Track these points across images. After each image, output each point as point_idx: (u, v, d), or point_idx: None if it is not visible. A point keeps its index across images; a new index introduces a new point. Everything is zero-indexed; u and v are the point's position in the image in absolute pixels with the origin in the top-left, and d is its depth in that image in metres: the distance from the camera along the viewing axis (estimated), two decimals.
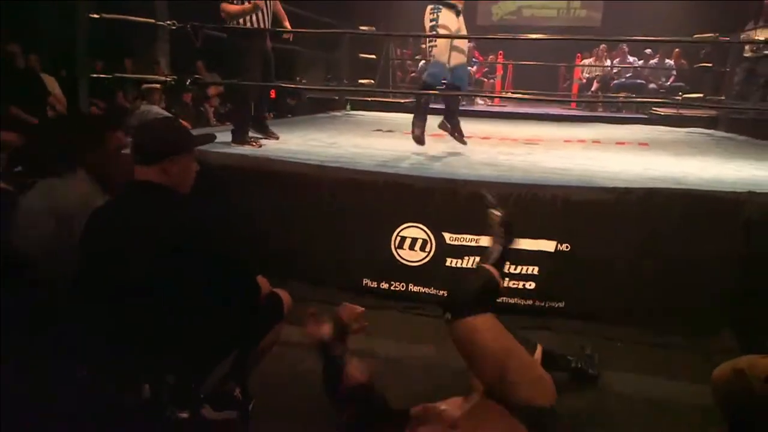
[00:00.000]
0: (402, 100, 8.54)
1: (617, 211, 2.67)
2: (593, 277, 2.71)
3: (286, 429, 2.01)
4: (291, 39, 4.23)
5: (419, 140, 3.80)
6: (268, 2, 3.76)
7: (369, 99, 8.21)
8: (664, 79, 8.94)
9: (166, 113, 5.17)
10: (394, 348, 2.53)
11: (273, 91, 7.76)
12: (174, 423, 1.91)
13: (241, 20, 3.66)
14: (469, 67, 9.80)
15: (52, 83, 5.09)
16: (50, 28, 5.85)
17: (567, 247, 2.72)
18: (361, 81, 8.16)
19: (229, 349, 1.78)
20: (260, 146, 3.73)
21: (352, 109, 8.03)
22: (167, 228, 1.50)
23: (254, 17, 3.69)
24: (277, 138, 4.04)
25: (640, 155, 4.32)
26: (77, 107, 3.06)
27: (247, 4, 3.59)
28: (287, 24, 4.13)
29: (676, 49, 8.87)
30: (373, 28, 7.14)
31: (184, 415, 1.88)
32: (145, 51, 7.61)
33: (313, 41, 8.37)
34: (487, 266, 1.93)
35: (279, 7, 4.06)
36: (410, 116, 3.97)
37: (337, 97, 7.99)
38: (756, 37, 6.36)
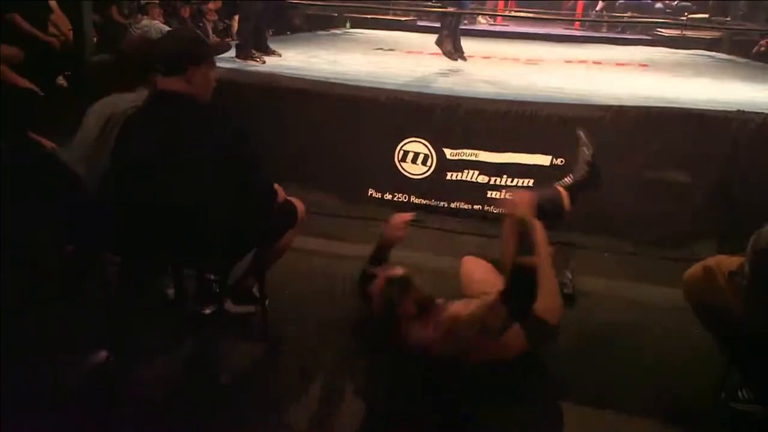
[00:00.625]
0: (402, 18, 8.37)
1: (611, 128, 2.79)
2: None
3: (298, 325, 2.20)
4: None
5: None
6: None
7: (368, 16, 8.03)
8: None
9: (167, 28, 5.12)
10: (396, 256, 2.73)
11: None
12: (198, 317, 2.13)
13: None
14: None
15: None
16: None
17: (561, 161, 2.86)
18: None
19: (248, 246, 1.95)
20: (263, 62, 3.76)
21: (352, 27, 7.88)
22: (194, 134, 1.63)
23: None
24: (280, 55, 4.05)
25: (638, 76, 4.37)
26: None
27: None
28: None
29: None
30: None
31: (208, 310, 2.11)
32: None
33: None
34: (560, 188, 2.08)
35: None
36: (410, 34, 3.98)
37: (336, 14, 7.83)
38: None
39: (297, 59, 4.15)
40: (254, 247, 1.99)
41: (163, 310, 2.23)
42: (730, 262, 1.67)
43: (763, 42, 6.31)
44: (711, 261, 1.74)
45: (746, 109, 2.73)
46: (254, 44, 3.90)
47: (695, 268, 1.78)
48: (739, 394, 1.78)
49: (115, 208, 1.69)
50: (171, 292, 2.22)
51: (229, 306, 2.13)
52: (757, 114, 2.68)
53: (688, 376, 1.94)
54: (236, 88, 3.09)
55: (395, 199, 3.08)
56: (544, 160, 2.90)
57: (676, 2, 8.53)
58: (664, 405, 1.82)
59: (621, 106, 2.83)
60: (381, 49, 5.42)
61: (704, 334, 1.82)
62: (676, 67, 5.03)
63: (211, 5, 6.26)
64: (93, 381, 1.78)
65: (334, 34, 6.94)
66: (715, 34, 7.08)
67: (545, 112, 2.84)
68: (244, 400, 1.79)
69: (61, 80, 5.00)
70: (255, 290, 2.19)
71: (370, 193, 3.15)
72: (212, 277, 2.10)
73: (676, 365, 2.01)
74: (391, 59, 4.68)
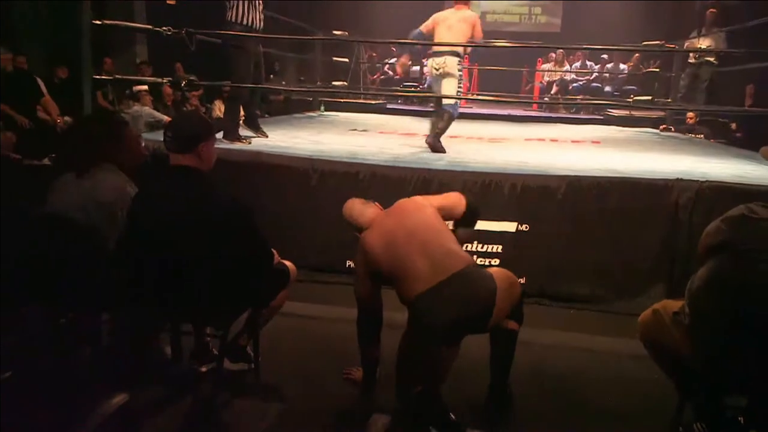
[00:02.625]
0: (372, 101, 8.94)
1: (568, 196, 3.11)
2: (547, 254, 3.14)
3: (289, 381, 2.34)
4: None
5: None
6: (257, 3, 4.03)
7: (341, 100, 8.56)
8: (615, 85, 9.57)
9: (157, 114, 5.43)
10: None
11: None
12: (195, 375, 2.26)
13: (236, 20, 3.95)
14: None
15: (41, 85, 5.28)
16: (35, 31, 6.01)
17: (526, 227, 3.15)
18: (334, 83, 8.51)
19: (244, 306, 2.13)
20: (249, 143, 4.05)
21: (326, 109, 8.38)
22: (203, 204, 1.86)
23: (249, 19, 3.97)
24: (267, 136, 4.36)
25: (591, 151, 4.81)
26: (101, 108, 3.32)
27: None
28: None
29: (636, 54, 9.39)
30: (346, 33, 7.51)
31: (205, 368, 2.25)
32: (122, 52, 7.78)
33: (286, 44, 8.67)
34: None
35: None
36: (380, 116, 4.35)
37: (311, 99, 8.32)
38: (698, 45, 6.95)
39: (280, 139, 4.46)
40: (252, 305, 2.17)
41: (161, 368, 2.35)
42: (674, 304, 1.92)
43: (690, 115, 7.05)
44: (658, 305, 1.99)
45: (684, 177, 3.11)
46: (247, 124, 4.21)
47: (646, 312, 2.03)
48: (695, 427, 1.98)
49: (130, 270, 1.87)
50: (168, 350, 2.35)
51: (226, 363, 2.27)
52: (693, 181, 3.05)
53: (647, 415, 2.14)
54: (226, 165, 3.33)
55: None
56: (510, 226, 3.19)
57: (622, 87, 9.35)
58: None
59: (576, 176, 3.17)
60: (355, 129, 5.81)
61: (660, 375, 2.04)
62: (624, 143, 5.53)
63: (194, 93, 6.64)
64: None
65: (311, 117, 7.37)
66: (660, 113, 7.78)
67: (509, 182, 3.15)
68: None
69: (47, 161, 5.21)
70: (249, 349, 2.35)
71: (348, 264, 3.36)
72: (208, 335, 2.26)
73: (634, 405, 2.21)
74: (366, 139, 5.03)
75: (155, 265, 1.84)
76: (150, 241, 1.85)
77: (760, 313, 1.59)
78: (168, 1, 7.87)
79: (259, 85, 4.17)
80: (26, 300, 2.06)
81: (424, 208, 2.13)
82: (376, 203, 2.34)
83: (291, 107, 8.29)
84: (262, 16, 4.11)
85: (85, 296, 2.03)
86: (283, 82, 8.22)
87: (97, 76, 3.76)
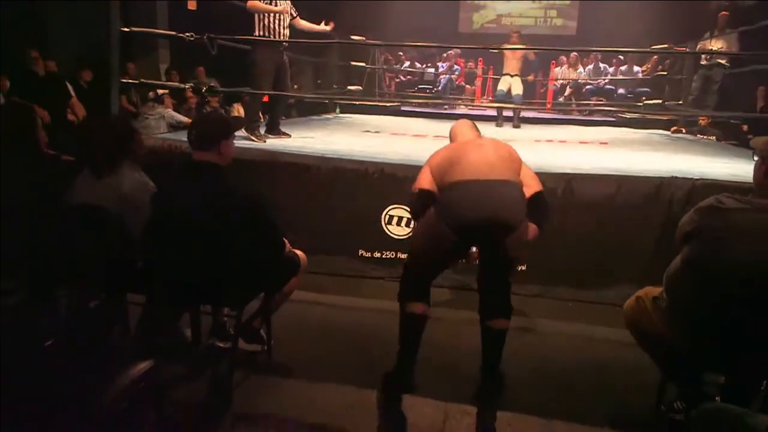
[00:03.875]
0: (387, 104, 9.13)
1: (567, 193, 3.26)
2: (547, 246, 3.28)
3: (298, 363, 2.53)
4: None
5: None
6: (283, 18, 4.29)
7: (357, 102, 8.77)
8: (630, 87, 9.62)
9: (179, 116, 5.68)
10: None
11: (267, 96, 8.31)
12: (212, 352, 2.46)
13: (261, 26, 4.20)
14: (449, 75, 10.45)
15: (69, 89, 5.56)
16: (62, 35, 6.30)
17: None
18: (350, 86, 8.74)
19: (258, 290, 2.32)
20: (264, 141, 4.27)
21: (342, 112, 8.58)
22: (223, 196, 2.05)
23: (273, 27, 4.22)
24: (289, 136, 4.59)
25: (597, 151, 4.93)
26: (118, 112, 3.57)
27: (271, 6, 4.14)
28: (326, 27, 4.72)
29: (654, 56, 9.40)
30: (363, 38, 7.71)
31: (224, 345, 2.44)
32: (145, 55, 8.07)
33: (304, 48, 8.90)
34: None
35: (303, 23, 4.58)
36: (395, 118, 4.54)
37: (327, 101, 8.54)
38: (710, 47, 7.01)
39: (297, 140, 4.67)
40: (265, 290, 2.35)
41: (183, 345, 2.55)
42: (654, 290, 2.06)
43: (702, 117, 7.08)
44: (641, 291, 2.14)
45: (679, 176, 3.23)
46: (269, 129, 4.46)
47: (630, 299, 2.17)
48: (675, 405, 2.12)
49: (155, 256, 2.07)
50: (188, 332, 2.56)
51: (241, 344, 2.46)
52: (687, 179, 3.18)
53: (633, 394, 2.28)
54: (248, 163, 3.55)
55: (383, 256, 3.47)
56: None
57: (635, 89, 9.40)
58: (615, 417, 2.15)
59: (574, 174, 3.31)
60: (368, 131, 6.00)
61: (645, 358, 2.18)
62: (632, 144, 5.63)
63: (213, 97, 6.89)
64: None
65: (327, 119, 7.58)
66: (671, 115, 7.83)
67: None
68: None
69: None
70: (263, 331, 2.54)
71: (360, 252, 3.55)
72: (225, 316, 2.45)
73: (623, 386, 2.36)
74: (378, 140, 5.22)
75: (178, 251, 2.03)
76: (173, 229, 2.04)
77: (729, 294, 1.73)
78: (189, 7, 8.18)
79: (272, 92, 4.38)
80: (58, 283, 2.28)
81: (513, 153, 2.29)
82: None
83: (308, 109, 8.51)
84: (287, 31, 4.36)
85: (113, 281, 2.24)
86: (296, 86, 8.43)
87: (124, 80, 3.98)
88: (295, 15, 4.45)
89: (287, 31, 4.37)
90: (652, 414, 2.14)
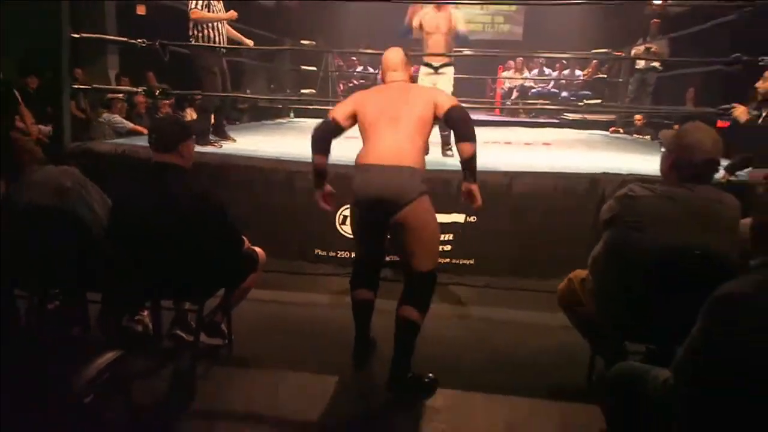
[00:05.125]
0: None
1: (511, 190, 3.48)
2: (493, 240, 3.50)
3: (258, 356, 2.64)
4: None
5: None
6: (221, 27, 4.42)
7: (310, 107, 8.88)
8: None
9: (126, 122, 5.68)
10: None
11: None
12: (173, 346, 2.54)
13: (202, 35, 4.30)
14: None
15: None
16: (5, 40, 6.17)
17: (474, 218, 3.51)
18: (303, 90, 8.83)
19: (219, 285, 2.42)
20: (221, 147, 4.35)
21: (296, 116, 8.68)
22: (183, 195, 2.16)
23: (213, 36, 4.31)
24: (234, 141, 4.65)
25: (540, 151, 5.21)
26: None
27: (218, 14, 4.26)
28: (248, 42, 4.84)
29: (594, 61, 9.84)
30: (314, 43, 7.83)
31: (187, 337, 2.53)
32: (94, 60, 7.96)
33: (256, 54, 8.95)
34: None
35: (231, 31, 4.73)
36: None
37: (281, 106, 8.62)
38: (639, 51, 7.46)
39: (248, 144, 4.75)
40: (225, 285, 2.46)
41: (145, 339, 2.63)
42: (582, 272, 2.29)
43: (638, 118, 7.53)
44: (572, 274, 2.35)
45: (610, 172, 3.51)
46: (215, 132, 4.52)
47: (563, 282, 2.39)
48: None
49: (119, 253, 2.15)
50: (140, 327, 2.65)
51: (203, 338, 2.56)
52: (618, 175, 3.46)
53: (568, 369, 2.50)
54: (202, 167, 3.62)
55: (338, 255, 3.61)
56: (459, 218, 3.55)
57: (577, 92, 9.86)
58: (552, 390, 2.36)
59: (516, 172, 3.55)
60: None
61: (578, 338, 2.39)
62: (573, 144, 5.97)
63: (165, 101, 6.87)
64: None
65: (280, 123, 7.66)
66: (611, 116, 8.29)
67: (458, 179, 3.49)
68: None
69: None
70: (223, 326, 2.64)
71: (316, 252, 3.68)
72: (187, 310, 2.55)
73: (560, 363, 2.59)
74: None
75: (141, 247, 2.13)
76: (137, 227, 2.14)
77: (643, 273, 1.95)
78: (138, 12, 8.11)
79: (227, 94, 4.46)
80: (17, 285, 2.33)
81: (425, 101, 2.43)
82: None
83: (261, 114, 8.57)
84: (225, 38, 4.49)
85: (73, 279, 2.31)
86: (248, 91, 8.49)
87: (75, 86, 4.00)
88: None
89: (226, 38, 4.51)
90: (585, 385, 2.36)
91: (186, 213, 2.14)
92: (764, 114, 3.35)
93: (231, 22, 4.66)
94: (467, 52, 7.18)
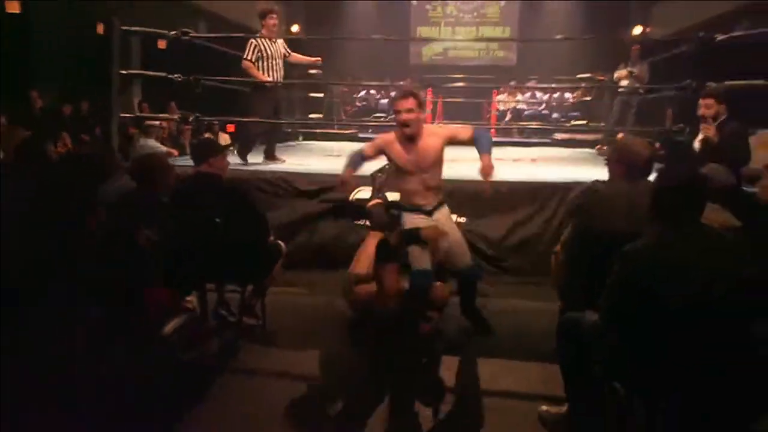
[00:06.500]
0: (345, 131, 9.96)
1: (496, 196, 4.10)
2: (484, 238, 4.11)
3: (286, 338, 3.21)
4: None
5: None
6: (276, 63, 5.09)
7: (317, 131, 9.57)
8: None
9: (160, 146, 6.33)
10: None
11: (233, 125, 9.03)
12: (218, 324, 3.13)
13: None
14: None
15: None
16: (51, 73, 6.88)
17: (464, 219, 4.13)
18: (311, 115, 9.51)
19: (256, 271, 3.01)
20: (284, 161, 5.16)
21: (304, 139, 9.35)
22: (220, 196, 2.78)
23: (266, 70, 5.04)
24: (284, 161, 5.40)
25: (527, 167, 5.83)
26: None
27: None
28: (315, 59, 5.58)
29: (583, 85, 10.52)
30: (320, 72, 8.52)
31: (233, 318, 3.12)
32: (122, 91, 8.65)
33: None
34: None
35: (297, 56, 5.41)
36: (354, 144, 5.40)
37: (290, 130, 9.29)
38: (621, 76, 8.11)
39: (274, 163, 5.37)
40: (261, 271, 3.05)
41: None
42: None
43: (620, 137, 8.12)
44: (557, 247, 2.93)
45: (581, 181, 4.11)
46: (267, 156, 5.29)
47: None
48: None
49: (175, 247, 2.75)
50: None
51: (245, 319, 3.14)
52: (590, 182, 4.05)
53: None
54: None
55: None
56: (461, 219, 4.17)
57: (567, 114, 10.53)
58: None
59: (500, 182, 4.17)
60: (331, 155, 6.76)
61: None
62: (558, 160, 6.58)
63: (186, 127, 7.54)
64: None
65: (290, 145, 8.30)
66: (597, 135, 8.92)
67: (450, 186, 4.12)
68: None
69: None
70: (258, 309, 3.22)
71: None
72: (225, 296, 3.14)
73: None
74: (342, 161, 5.96)
75: (194, 242, 2.72)
76: (188, 225, 2.74)
77: (596, 250, 2.51)
78: (159, 46, 8.82)
79: (246, 119, 5.13)
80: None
81: (439, 143, 3.08)
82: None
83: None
84: (281, 73, 5.19)
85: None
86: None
87: (123, 114, 4.66)
88: (288, 53, 5.26)
89: (281, 72, 5.16)
90: None
91: (223, 211, 2.75)
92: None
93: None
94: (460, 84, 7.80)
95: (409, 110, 2.95)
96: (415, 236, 2.95)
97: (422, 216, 3.09)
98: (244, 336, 3.08)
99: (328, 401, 2.60)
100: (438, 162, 3.13)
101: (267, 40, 5.03)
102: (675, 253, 1.84)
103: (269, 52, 5.02)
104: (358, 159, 3.13)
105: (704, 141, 3.81)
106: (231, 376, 2.74)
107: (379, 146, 3.10)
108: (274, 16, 5.07)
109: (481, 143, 3.09)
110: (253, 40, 5.00)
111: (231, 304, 3.23)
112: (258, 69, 4.98)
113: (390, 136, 3.10)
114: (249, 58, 4.96)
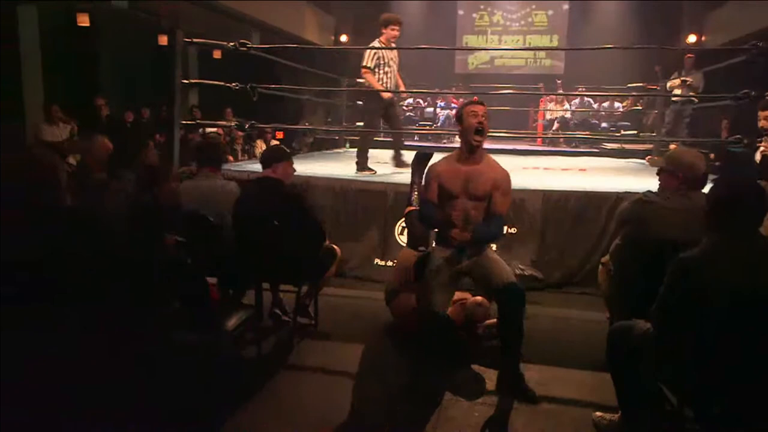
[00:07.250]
0: (389, 138, 10.05)
1: (545, 204, 4.11)
2: (534, 247, 4.13)
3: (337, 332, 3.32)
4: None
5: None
6: (391, 71, 5.22)
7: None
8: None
9: None
10: None
11: (282, 132, 9.29)
12: (273, 323, 3.26)
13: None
14: (447, 111, 11.41)
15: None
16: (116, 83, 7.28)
17: (515, 230, 4.15)
18: (358, 124, 9.66)
19: (311, 272, 3.12)
20: (375, 173, 5.15)
21: (350, 147, 9.51)
22: (283, 199, 2.91)
23: (383, 78, 5.16)
24: (375, 172, 5.34)
25: (575, 176, 5.79)
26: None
27: (379, 85, 5.10)
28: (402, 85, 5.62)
29: (633, 93, 10.34)
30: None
31: (286, 318, 3.25)
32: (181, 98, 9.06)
33: (316, 91, 9.90)
34: None
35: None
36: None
37: (337, 137, 9.48)
38: (674, 85, 7.94)
39: (322, 170, 5.50)
40: (315, 272, 3.16)
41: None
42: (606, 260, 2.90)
43: (673, 147, 7.94)
44: (604, 258, 2.97)
45: (630, 191, 4.09)
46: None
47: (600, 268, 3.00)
48: None
49: (241, 247, 2.90)
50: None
51: (299, 318, 3.27)
52: (636, 193, 4.02)
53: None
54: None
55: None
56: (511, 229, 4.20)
57: (615, 123, 10.35)
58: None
59: (549, 190, 4.18)
60: (378, 162, 6.86)
61: None
62: (608, 171, 6.49)
63: (239, 133, 7.83)
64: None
65: (338, 153, 8.47)
66: (648, 146, 8.74)
67: None
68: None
69: None
70: (311, 309, 3.34)
71: (375, 261, 4.36)
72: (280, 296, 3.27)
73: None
74: (387, 168, 6.07)
75: (258, 244, 2.86)
76: (250, 226, 2.88)
77: (646, 261, 2.52)
78: (214, 55, 9.19)
79: (300, 127, 5.27)
80: None
81: (494, 177, 2.81)
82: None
83: (320, 145, 9.45)
84: (394, 81, 5.29)
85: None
86: (306, 123, 9.40)
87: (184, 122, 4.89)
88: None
89: (394, 80, 5.28)
90: None
91: (282, 215, 2.87)
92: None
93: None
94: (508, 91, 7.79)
95: (485, 116, 2.73)
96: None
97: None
98: (297, 335, 3.20)
99: (374, 399, 2.68)
100: (487, 196, 2.77)
101: (385, 48, 5.10)
102: (731, 263, 1.84)
103: (385, 60, 5.12)
104: (431, 211, 2.83)
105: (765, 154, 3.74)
106: (285, 372, 2.86)
107: (434, 178, 2.83)
108: (397, 27, 5.13)
109: (479, 232, 2.76)
110: (373, 48, 5.10)
111: (285, 304, 3.36)
112: (374, 75, 5.10)
113: (441, 161, 2.88)
114: (368, 65, 5.07)
